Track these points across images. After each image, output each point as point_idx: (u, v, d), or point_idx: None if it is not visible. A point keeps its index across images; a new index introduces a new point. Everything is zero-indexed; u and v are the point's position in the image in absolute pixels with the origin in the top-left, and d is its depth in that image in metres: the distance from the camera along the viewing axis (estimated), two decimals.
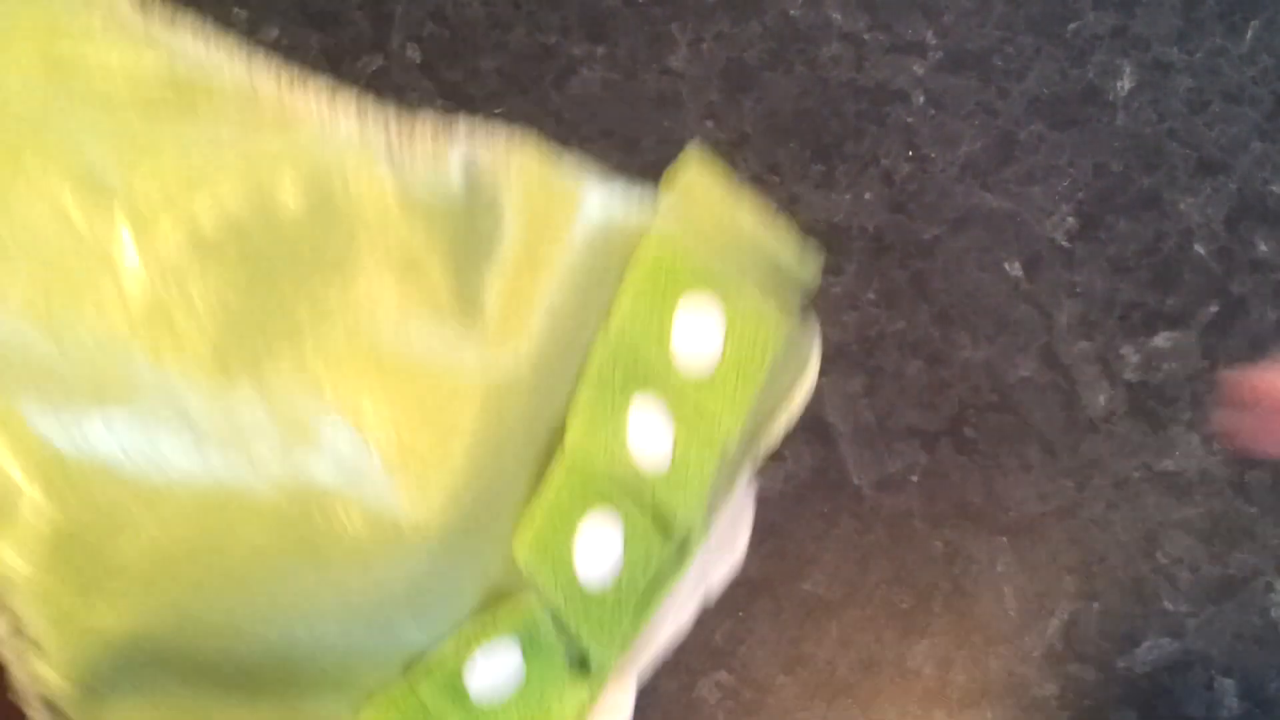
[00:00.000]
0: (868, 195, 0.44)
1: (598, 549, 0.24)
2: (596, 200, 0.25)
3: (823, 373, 0.43)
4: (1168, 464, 0.41)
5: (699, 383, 0.24)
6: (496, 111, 0.45)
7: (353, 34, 0.46)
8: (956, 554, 0.40)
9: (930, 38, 0.46)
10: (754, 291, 0.25)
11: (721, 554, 0.27)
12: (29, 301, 0.21)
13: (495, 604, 0.23)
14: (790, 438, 0.43)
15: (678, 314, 0.24)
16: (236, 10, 0.46)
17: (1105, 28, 0.47)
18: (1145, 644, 0.40)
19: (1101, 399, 0.42)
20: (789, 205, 0.44)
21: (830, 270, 0.44)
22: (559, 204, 0.24)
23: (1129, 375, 0.43)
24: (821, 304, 0.43)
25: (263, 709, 0.21)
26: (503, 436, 0.22)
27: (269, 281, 0.22)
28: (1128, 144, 0.45)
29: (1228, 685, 0.39)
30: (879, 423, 0.42)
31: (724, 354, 0.25)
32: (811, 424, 0.42)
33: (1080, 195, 0.45)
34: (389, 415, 0.22)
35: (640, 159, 0.45)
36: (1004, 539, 0.40)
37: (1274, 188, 0.45)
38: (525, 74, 0.46)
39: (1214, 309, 0.43)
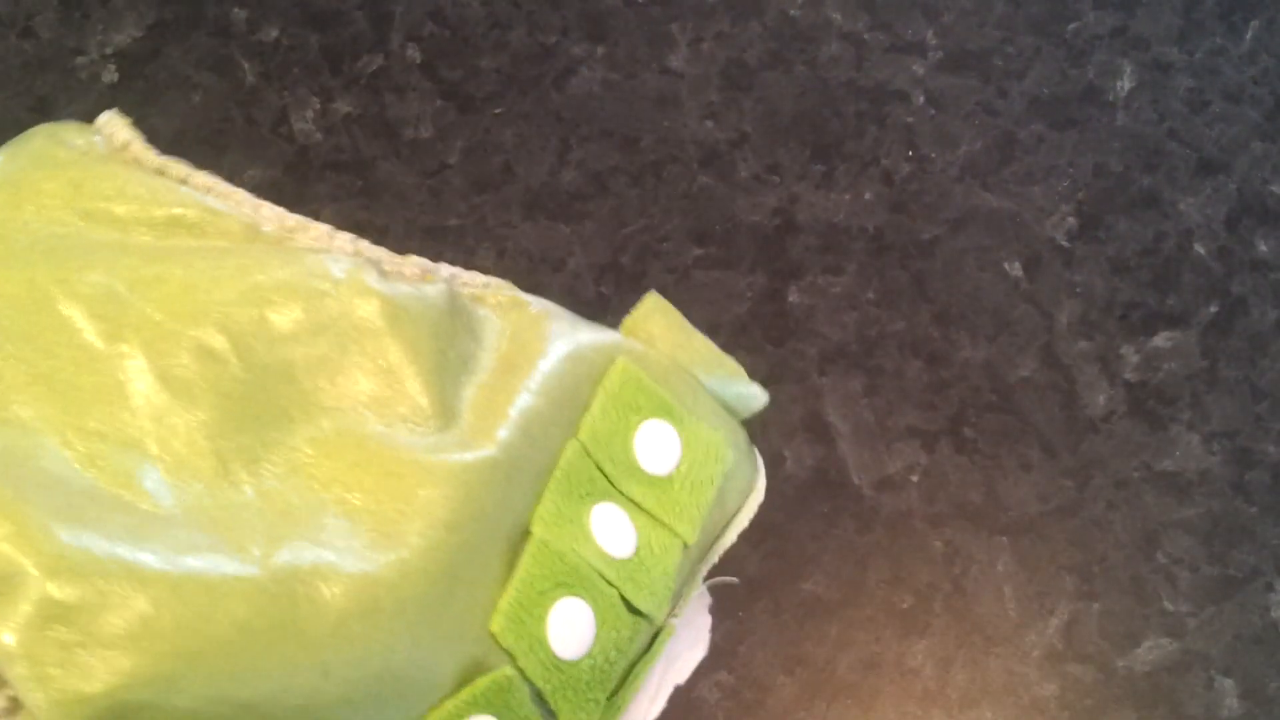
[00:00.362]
0: (868, 195, 0.44)
1: (571, 626, 0.26)
2: (567, 330, 0.28)
3: (823, 373, 0.44)
4: (1168, 464, 0.41)
5: (660, 484, 0.28)
6: (496, 111, 0.45)
7: (353, 34, 0.46)
8: (956, 554, 0.40)
9: (930, 38, 0.46)
10: (699, 421, 0.28)
11: (688, 647, 0.30)
12: (43, 416, 0.24)
13: (474, 679, 0.25)
14: (790, 438, 0.43)
15: (639, 433, 0.28)
16: (236, 10, 0.46)
17: (1105, 28, 0.47)
18: (1145, 644, 0.40)
19: (1101, 399, 0.42)
20: (789, 205, 0.44)
21: (830, 270, 0.44)
22: (533, 331, 0.28)
23: (1129, 375, 0.43)
24: (821, 304, 0.43)
25: None
26: (475, 517, 0.25)
27: (266, 386, 0.25)
28: (1128, 144, 0.45)
29: (1228, 685, 0.39)
30: (879, 423, 0.42)
31: (680, 466, 0.28)
32: (811, 424, 0.42)
33: (1080, 195, 0.45)
34: (372, 496, 0.24)
35: (640, 159, 0.45)
36: (1004, 539, 0.40)
37: (1274, 188, 0.45)
38: (525, 74, 0.46)
39: (1214, 309, 0.43)
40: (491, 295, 0.29)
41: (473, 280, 0.29)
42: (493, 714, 0.25)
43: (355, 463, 0.25)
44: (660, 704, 0.29)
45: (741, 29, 0.46)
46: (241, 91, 0.45)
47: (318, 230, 0.28)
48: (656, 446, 0.28)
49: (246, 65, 0.46)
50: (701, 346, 0.30)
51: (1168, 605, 0.40)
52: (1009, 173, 0.45)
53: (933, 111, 0.46)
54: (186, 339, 0.25)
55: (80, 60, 0.45)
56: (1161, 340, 0.43)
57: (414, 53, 0.46)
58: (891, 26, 0.47)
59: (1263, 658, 0.40)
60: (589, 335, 0.28)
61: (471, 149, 0.45)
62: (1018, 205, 0.44)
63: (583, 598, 0.26)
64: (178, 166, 0.28)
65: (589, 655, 0.26)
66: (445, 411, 0.26)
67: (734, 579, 0.32)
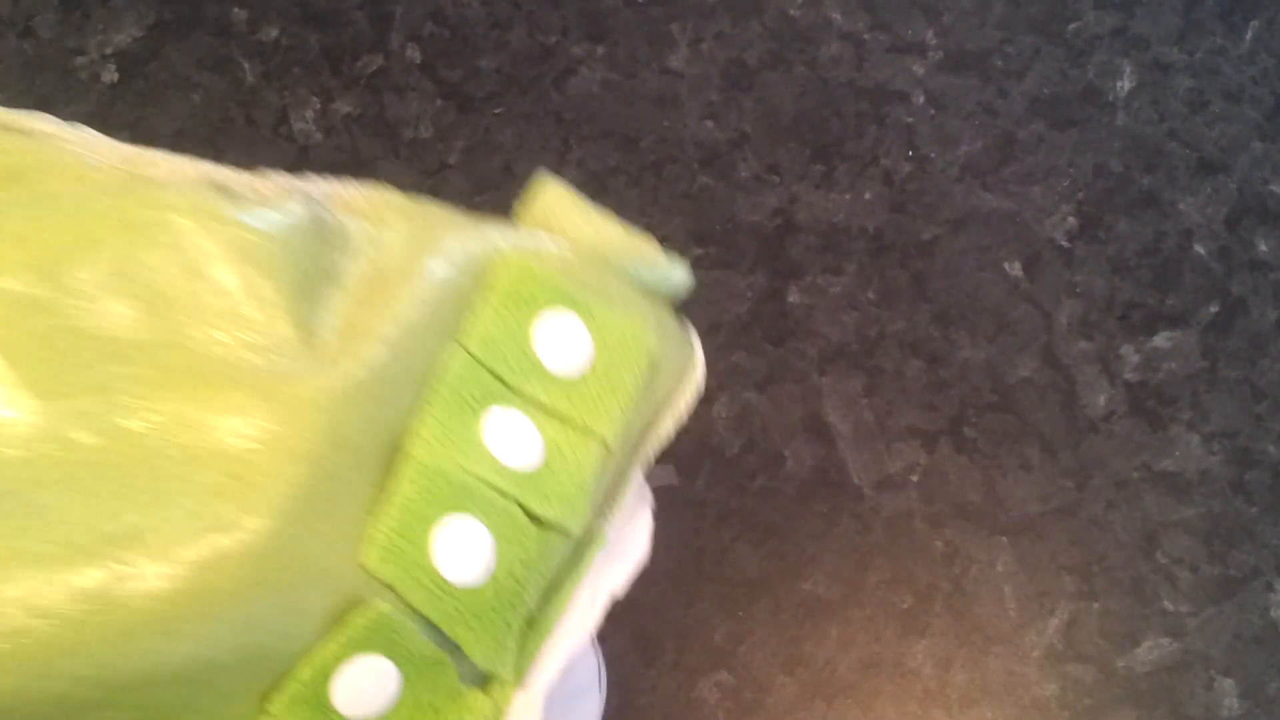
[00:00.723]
0: (868, 195, 0.44)
1: (461, 547, 0.24)
2: (451, 231, 0.25)
3: (823, 373, 0.44)
4: (1168, 464, 0.41)
5: (568, 383, 0.25)
6: (496, 111, 0.45)
7: (353, 34, 0.46)
8: (956, 554, 0.40)
9: (930, 38, 0.46)
10: (611, 308, 0.26)
11: (622, 557, 0.27)
12: None
13: (345, 616, 0.23)
14: (790, 438, 0.43)
15: (537, 329, 0.25)
16: (236, 10, 0.46)
17: (1105, 28, 0.47)
18: (1145, 644, 0.40)
19: (1101, 399, 0.42)
20: (789, 205, 0.44)
21: (830, 270, 0.44)
22: (413, 237, 0.25)
23: (1129, 375, 0.43)
24: (821, 304, 0.43)
25: None
26: (337, 445, 0.23)
27: (100, 331, 0.23)
28: (1128, 144, 0.45)
29: (1228, 685, 0.39)
30: (879, 423, 0.42)
31: (594, 361, 0.25)
32: (811, 424, 0.42)
33: (1080, 195, 0.45)
34: (219, 434, 0.22)
35: (640, 159, 0.45)
36: (1004, 539, 0.40)
37: (1274, 188, 0.45)
38: (525, 74, 0.46)
39: (1214, 309, 0.43)
40: (367, 204, 0.26)
41: (347, 192, 0.26)
42: (380, 653, 0.23)
43: (201, 401, 0.22)
44: (595, 617, 0.26)
45: (741, 29, 0.46)
46: (241, 91, 0.45)
47: (159, 159, 0.26)
48: (562, 342, 0.25)
49: (246, 65, 0.46)
50: (607, 229, 0.27)
51: (1168, 605, 0.40)
52: (1009, 173, 0.45)
53: (933, 111, 0.46)
54: (3, 294, 0.23)
55: (80, 60, 0.45)
56: (1161, 340, 0.43)
57: (414, 53, 0.46)
58: (891, 26, 0.47)
59: (1263, 658, 0.40)
60: (474, 233, 0.26)
61: (471, 149, 0.45)
62: (1018, 205, 0.44)
63: (474, 515, 0.24)
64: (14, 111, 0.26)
65: (491, 577, 0.24)
66: (306, 335, 0.24)
67: (672, 473, 0.30)
